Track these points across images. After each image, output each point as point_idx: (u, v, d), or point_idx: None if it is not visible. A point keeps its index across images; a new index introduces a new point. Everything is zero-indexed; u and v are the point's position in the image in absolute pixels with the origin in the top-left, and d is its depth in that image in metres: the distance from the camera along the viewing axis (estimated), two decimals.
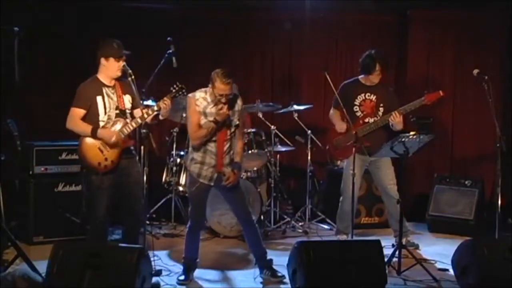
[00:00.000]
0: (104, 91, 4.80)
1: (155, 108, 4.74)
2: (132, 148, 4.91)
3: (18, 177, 5.88)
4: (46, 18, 6.67)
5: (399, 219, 5.37)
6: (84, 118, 4.77)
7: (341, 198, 5.95)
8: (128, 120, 4.80)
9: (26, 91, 6.18)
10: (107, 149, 4.72)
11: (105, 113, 4.78)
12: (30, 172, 5.77)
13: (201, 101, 4.73)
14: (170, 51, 5.76)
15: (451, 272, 4.82)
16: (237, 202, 4.93)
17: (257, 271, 4.98)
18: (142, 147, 4.78)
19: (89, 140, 4.73)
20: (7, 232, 4.75)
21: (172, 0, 7.32)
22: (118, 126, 4.76)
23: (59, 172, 5.85)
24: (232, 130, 4.80)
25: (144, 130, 4.71)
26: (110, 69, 4.79)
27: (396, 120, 5.63)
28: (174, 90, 4.78)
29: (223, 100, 4.63)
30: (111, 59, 4.76)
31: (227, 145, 4.81)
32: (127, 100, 4.88)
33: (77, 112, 4.76)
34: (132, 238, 4.88)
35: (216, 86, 4.62)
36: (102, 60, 4.79)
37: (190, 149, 4.94)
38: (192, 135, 4.76)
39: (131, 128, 4.76)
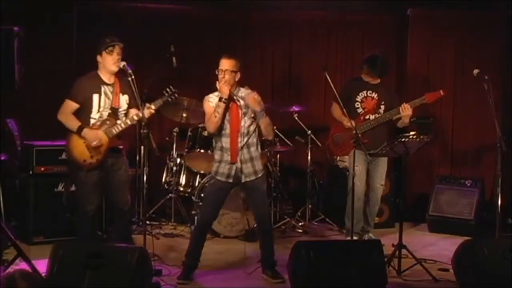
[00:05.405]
0: (102, 89, 4.89)
1: (140, 114, 4.83)
2: (121, 147, 5.00)
3: (18, 177, 5.88)
4: (46, 18, 6.68)
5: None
6: (76, 112, 4.86)
7: (348, 197, 5.91)
8: (118, 121, 4.90)
9: (26, 91, 6.17)
10: (93, 147, 4.82)
11: (98, 111, 4.88)
12: (30, 172, 5.77)
13: (214, 98, 4.83)
14: (170, 51, 5.76)
15: (451, 272, 4.82)
16: (257, 203, 4.94)
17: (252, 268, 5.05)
18: (142, 147, 4.80)
19: (77, 137, 4.84)
20: (7, 232, 4.75)
21: (172, 0, 7.32)
22: (105, 127, 4.86)
23: (59, 172, 5.83)
24: (247, 123, 4.82)
25: (144, 130, 4.73)
26: (106, 64, 4.88)
27: (406, 112, 5.56)
28: (166, 94, 4.91)
29: (223, 76, 4.73)
30: (104, 53, 4.87)
31: (242, 140, 4.81)
32: (124, 100, 4.98)
33: (70, 105, 4.86)
34: (124, 232, 5.10)
35: (219, 64, 4.75)
36: (98, 58, 4.91)
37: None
38: (206, 122, 4.82)
39: (120, 129, 4.88)
